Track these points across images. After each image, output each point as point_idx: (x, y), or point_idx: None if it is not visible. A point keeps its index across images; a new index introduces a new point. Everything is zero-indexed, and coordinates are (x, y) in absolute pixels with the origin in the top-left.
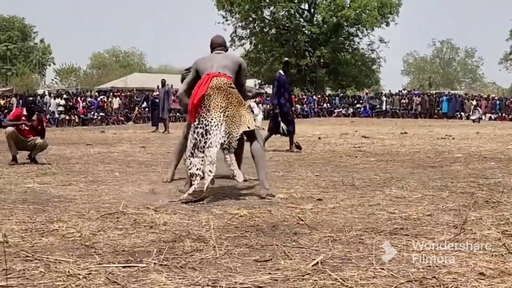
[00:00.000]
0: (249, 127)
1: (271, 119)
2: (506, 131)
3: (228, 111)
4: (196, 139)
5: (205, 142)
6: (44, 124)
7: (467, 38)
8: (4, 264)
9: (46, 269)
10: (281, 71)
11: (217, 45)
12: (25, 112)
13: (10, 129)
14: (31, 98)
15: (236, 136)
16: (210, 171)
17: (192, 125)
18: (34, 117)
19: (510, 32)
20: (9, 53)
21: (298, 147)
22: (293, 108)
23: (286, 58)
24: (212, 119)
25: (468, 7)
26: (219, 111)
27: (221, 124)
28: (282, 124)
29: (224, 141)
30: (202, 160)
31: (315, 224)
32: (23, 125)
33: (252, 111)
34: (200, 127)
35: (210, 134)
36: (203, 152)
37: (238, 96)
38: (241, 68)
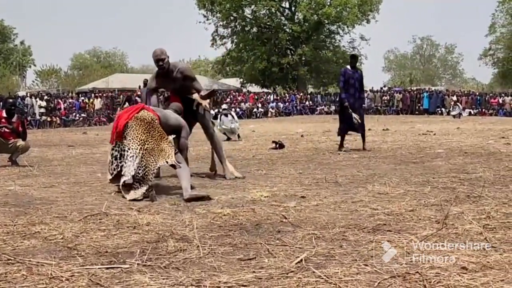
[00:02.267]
0: (167, 162)
1: (339, 116)
2: (486, 126)
3: (147, 144)
4: (110, 160)
5: (117, 165)
6: (25, 126)
7: (447, 35)
8: None
9: (28, 272)
10: (348, 66)
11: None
12: (4, 115)
13: None
14: (11, 100)
15: (153, 169)
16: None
17: (111, 145)
18: (15, 119)
19: (489, 28)
20: None
21: (281, 145)
22: (364, 106)
23: (354, 53)
24: (128, 149)
25: (447, 4)
26: (137, 143)
27: (137, 157)
28: (354, 115)
29: (138, 173)
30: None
31: (298, 221)
32: (4, 128)
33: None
34: (116, 151)
35: (122, 161)
36: (112, 173)
37: (161, 130)
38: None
